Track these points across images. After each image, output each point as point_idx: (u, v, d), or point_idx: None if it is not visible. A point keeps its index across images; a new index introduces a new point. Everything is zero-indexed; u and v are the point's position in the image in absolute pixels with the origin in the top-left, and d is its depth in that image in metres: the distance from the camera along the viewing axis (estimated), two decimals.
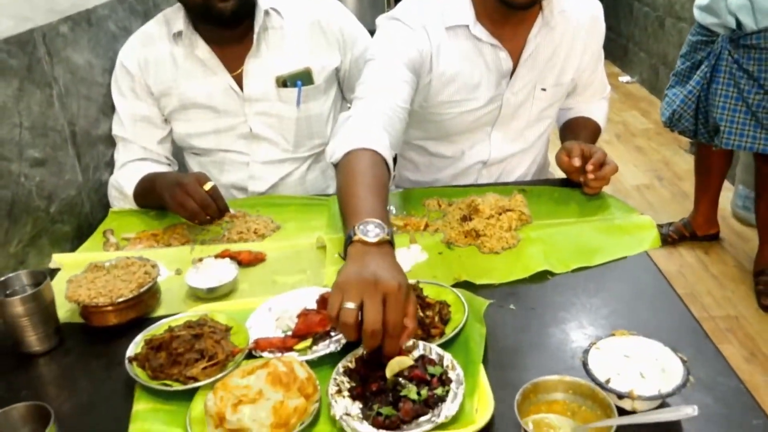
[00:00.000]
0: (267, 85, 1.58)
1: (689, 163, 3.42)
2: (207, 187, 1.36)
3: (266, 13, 1.55)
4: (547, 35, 1.45)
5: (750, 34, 2.26)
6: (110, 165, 1.62)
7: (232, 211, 1.45)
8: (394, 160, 1.47)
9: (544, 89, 1.51)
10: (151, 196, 1.44)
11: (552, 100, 1.55)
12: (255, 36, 1.55)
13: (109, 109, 1.62)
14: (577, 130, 1.60)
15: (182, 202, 1.35)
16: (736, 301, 2.62)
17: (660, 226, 3.07)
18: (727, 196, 3.21)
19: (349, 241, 0.95)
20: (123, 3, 1.76)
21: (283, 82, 1.58)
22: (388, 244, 0.95)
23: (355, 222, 0.96)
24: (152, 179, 1.45)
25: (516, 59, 1.46)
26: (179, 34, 1.54)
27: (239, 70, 1.56)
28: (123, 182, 1.52)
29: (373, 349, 0.88)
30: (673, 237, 3.02)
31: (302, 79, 1.58)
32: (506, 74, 1.47)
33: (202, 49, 1.54)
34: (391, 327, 0.86)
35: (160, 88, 1.57)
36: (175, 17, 1.56)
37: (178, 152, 1.72)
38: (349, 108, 1.34)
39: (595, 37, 1.52)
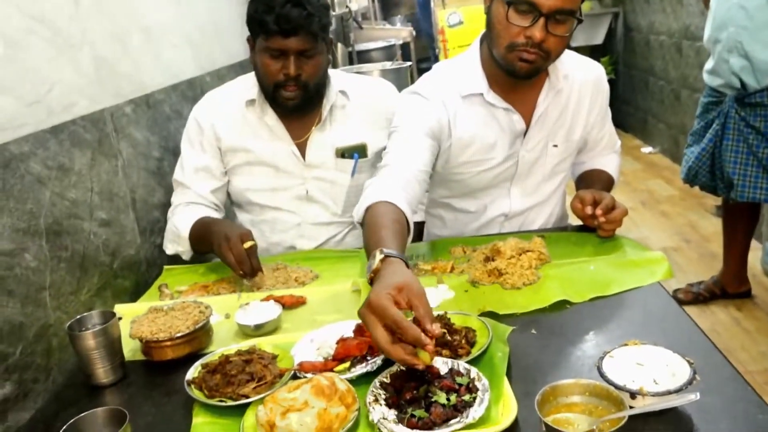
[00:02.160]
0: (327, 154, 1.75)
1: (716, 225, 3.48)
2: (247, 245, 1.49)
3: (337, 94, 1.75)
4: (555, 97, 1.61)
5: (754, 93, 2.40)
6: (163, 230, 1.78)
7: (272, 265, 1.58)
8: (416, 224, 1.66)
9: (555, 145, 1.65)
10: (204, 240, 1.59)
11: (564, 155, 1.68)
12: (324, 113, 1.74)
13: (163, 180, 1.81)
14: (590, 181, 1.72)
15: (224, 254, 1.49)
16: None
17: (691, 285, 3.10)
18: (757, 255, 3.24)
19: (370, 275, 1.11)
20: (176, 90, 1.99)
21: (342, 154, 1.75)
22: (391, 259, 1.10)
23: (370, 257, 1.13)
24: (207, 225, 1.60)
25: (528, 120, 1.61)
26: (252, 101, 1.73)
27: (303, 139, 1.74)
28: (179, 224, 1.67)
29: (401, 358, 0.98)
30: (704, 295, 3.04)
31: (359, 152, 1.76)
32: (520, 134, 1.62)
33: (271, 117, 1.73)
34: (397, 324, 0.97)
35: (229, 144, 1.73)
36: (251, 85, 1.74)
37: (229, 211, 1.87)
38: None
39: (600, 96, 1.67)
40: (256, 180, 1.76)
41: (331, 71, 1.76)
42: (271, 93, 1.66)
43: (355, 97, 1.78)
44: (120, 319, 1.35)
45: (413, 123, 1.54)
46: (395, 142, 1.53)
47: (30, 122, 1.28)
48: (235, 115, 1.74)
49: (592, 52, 5.91)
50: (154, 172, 1.78)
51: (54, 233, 1.30)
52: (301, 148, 1.74)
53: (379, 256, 1.11)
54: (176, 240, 1.68)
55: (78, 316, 1.20)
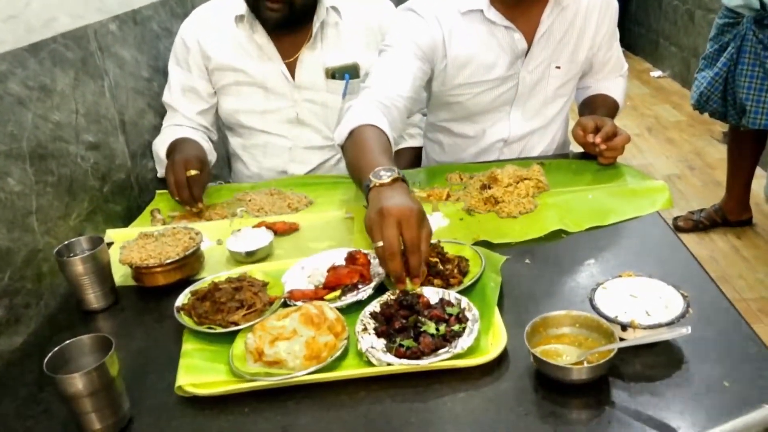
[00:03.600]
0: (317, 75, 1.69)
1: (722, 152, 3.42)
2: (190, 173, 1.46)
3: (327, 10, 1.67)
4: (560, 15, 1.53)
5: None
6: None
7: (266, 190, 1.55)
8: (413, 150, 1.70)
9: (558, 67, 1.58)
10: None
11: (567, 78, 1.62)
12: (314, 30, 1.66)
13: (154, 101, 1.76)
14: (594, 107, 1.66)
15: (166, 178, 1.49)
16: None
17: (692, 213, 3.09)
18: (761, 183, 3.20)
19: (367, 190, 1.07)
20: (165, 5, 1.90)
21: (332, 74, 1.69)
22: (401, 181, 1.09)
23: (368, 174, 1.10)
24: (173, 147, 1.59)
25: (530, 39, 1.53)
26: (241, 17, 1.66)
27: (293, 58, 1.68)
28: (158, 146, 1.67)
29: (398, 273, 1.00)
30: (704, 223, 3.03)
31: (350, 72, 1.69)
32: (521, 54, 1.55)
33: (261, 34, 1.66)
34: (409, 243, 1.00)
35: (217, 62, 1.68)
36: (239, 1, 1.66)
37: (222, 134, 1.83)
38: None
39: (609, 16, 1.59)
40: (246, 101, 1.71)
41: None
42: (252, 3, 1.57)
43: (348, 14, 1.70)
44: (110, 244, 1.36)
45: (403, 43, 1.47)
46: (382, 63, 1.47)
47: (7, 39, 1.22)
48: (223, 32, 1.67)
49: None
50: (144, 93, 1.72)
51: (38, 157, 1.26)
52: (291, 68, 1.68)
53: (387, 174, 1.10)
54: (159, 162, 1.68)
55: (66, 242, 1.18)
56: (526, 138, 1.68)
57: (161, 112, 1.77)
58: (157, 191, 1.66)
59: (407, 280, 1.04)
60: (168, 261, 1.19)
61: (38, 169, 1.26)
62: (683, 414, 0.80)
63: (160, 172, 1.69)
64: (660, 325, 0.89)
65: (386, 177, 1.09)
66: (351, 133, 1.29)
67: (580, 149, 1.56)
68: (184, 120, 1.71)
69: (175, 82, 1.71)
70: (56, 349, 0.87)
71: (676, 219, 3.08)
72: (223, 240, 1.35)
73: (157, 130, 1.75)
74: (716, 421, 0.75)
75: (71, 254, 1.17)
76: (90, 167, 1.45)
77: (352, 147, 1.26)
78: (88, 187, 1.43)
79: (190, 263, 1.23)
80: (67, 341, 0.89)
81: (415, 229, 1.01)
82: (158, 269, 1.19)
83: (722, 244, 2.93)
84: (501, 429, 0.82)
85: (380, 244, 1.01)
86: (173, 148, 1.60)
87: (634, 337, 0.90)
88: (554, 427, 0.81)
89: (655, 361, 0.89)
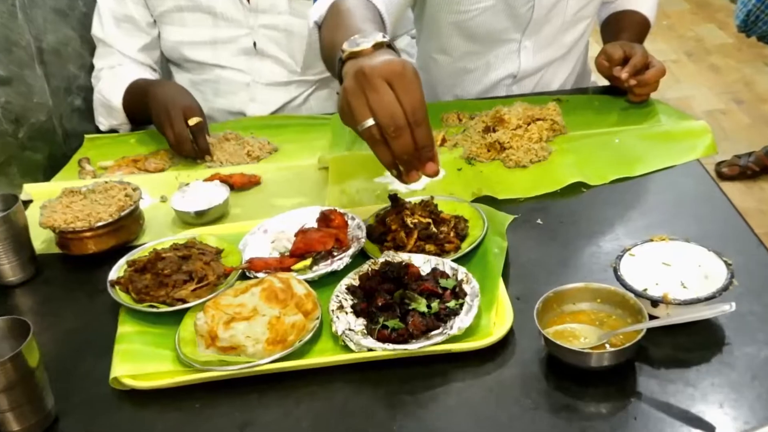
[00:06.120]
0: None
1: None
2: (192, 122, 1.45)
3: None
4: None
5: None
6: (84, 90, 1.71)
7: (219, 135, 1.54)
8: None
9: None
10: (141, 109, 1.54)
11: None
12: None
13: (80, 25, 1.70)
14: (619, 27, 1.63)
15: (164, 132, 1.47)
16: None
17: (738, 157, 3.09)
18: None
19: (339, 66, 0.97)
20: None
21: None
22: (386, 46, 0.96)
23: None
24: (143, 90, 1.55)
25: None
26: None
27: None
28: (108, 93, 1.62)
29: (410, 152, 0.91)
30: (753, 169, 3.04)
31: None
32: None
33: None
34: (410, 111, 0.88)
35: None
36: None
37: (166, 69, 1.80)
38: None
39: None
40: (191, 31, 1.66)
41: None
42: None
43: None
44: (28, 203, 1.33)
45: None
46: None
47: None
48: None
49: None
50: (66, 15, 1.67)
51: None
52: None
53: (366, 40, 0.95)
54: (109, 113, 1.64)
55: None
56: (540, 72, 1.65)
57: (88, 37, 1.72)
58: (87, 136, 1.63)
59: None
60: (100, 224, 1.17)
61: None
62: (723, 407, 0.80)
63: (106, 125, 1.67)
64: (698, 300, 0.89)
65: (365, 43, 0.95)
66: (331, 6, 1.19)
67: (604, 82, 1.54)
68: (123, 59, 1.67)
69: (106, 11, 1.65)
70: None
71: (719, 165, 3.09)
72: (167, 197, 1.33)
73: (83, 59, 1.71)
74: (763, 417, 0.75)
75: None
76: (0, 107, 1.40)
77: (330, 21, 1.16)
78: None
79: (127, 226, 1.21)
80: None
81: (415, 89, 0.88)
82: (88, 234, 1.17)
83: None
84: (504, 425, 0.81)
85: (370, 122, 0.89)
86: (139, 93, 1.56)
87: (666, 315, 0.90)
88: (568, 423, 0.80)
89: (691, 344, 0.88)
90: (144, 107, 1.53)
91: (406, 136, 0.89)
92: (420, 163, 0.94)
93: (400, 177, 0.97)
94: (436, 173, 0.95)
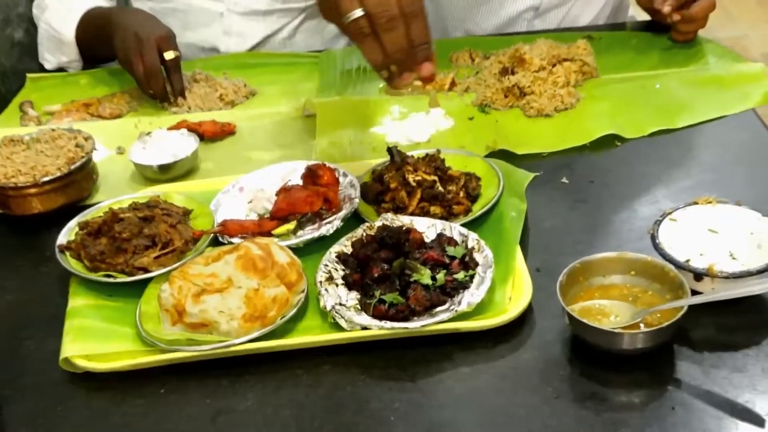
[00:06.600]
0: None
1: None
2: (169, 56, 1.44)
3: None
4: None
5: None
6: (26, 20, 1.71)
7: (188, 75, 1.53)
8: None
9: None
10: (101, 41, 1.53)
11: None
12: None
13: None
14: None
15: (132, 64, 1.45)
16: None
17: None
18: None
19: None
20: None
21: None
22: None
23: None
24: (106, 17, 1.54)
25: None
26: None
27: None
28: (57, 24, 1.61)
29: (404, 49, 0.92)
30: None
31: None
32: None
33: None
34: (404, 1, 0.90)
35: None
36: None
37: None
38: None
39: None
40: None
41: None
42: None
43: None
44: None
45: None
46: None
47: None
48: None
49: None
50: None
51: None
52: None
53: None
54: (58, 47, 1.63)
55: None
56: (568, 4, 1.65)
57: None
58: (29, 75, 1.63)
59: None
60: (46, 179, 1.17)
61: None
62: None
63: (53, 62, 1.66)
64: (749, 273, 0.89)
65: None
66: None
67: (644, 16, 1.55)
68: None
69: None
70: None
71: None
72: (125, 148, 1.34)
73: None
74: None
75: None
76: None
77: None
78: None
79: (78, 182, 1.22)
80: None
81: None
82: (32, 190, 1.18)
83: None
84: (520, 418, 0.82)
85: (358, 12, 0.90)
86: (98, 23, 1.55)
87: (711, 290, 0.90)
88: (595, 415, 0.81)
89: (738, 324, 0.89)
90: (104, 39, 1.51)
91: (399, 28, 0.90)
92: (415, 63, 0.94)
93: (391, 80, 0.97)
94: (434, 77, 0.96)
